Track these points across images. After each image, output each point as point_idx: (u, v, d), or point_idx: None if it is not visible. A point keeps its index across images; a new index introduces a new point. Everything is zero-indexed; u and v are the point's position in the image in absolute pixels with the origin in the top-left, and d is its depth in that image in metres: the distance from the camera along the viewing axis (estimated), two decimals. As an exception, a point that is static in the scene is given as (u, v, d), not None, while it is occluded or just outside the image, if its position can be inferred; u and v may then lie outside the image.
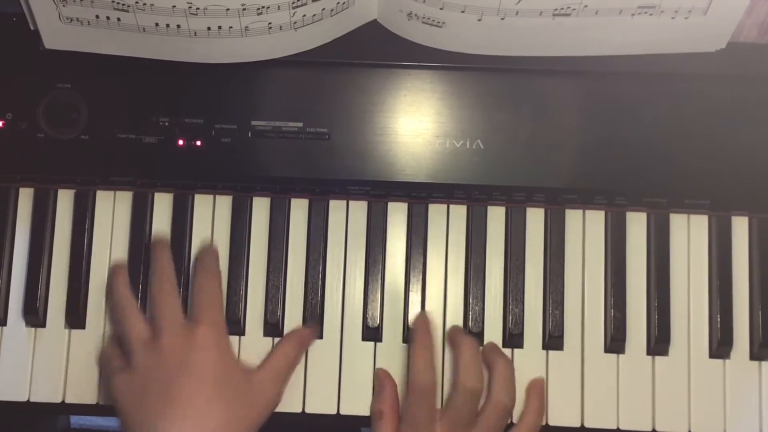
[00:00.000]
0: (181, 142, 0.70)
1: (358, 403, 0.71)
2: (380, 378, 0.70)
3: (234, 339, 0.71)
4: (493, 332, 0.72)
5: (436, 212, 0.74)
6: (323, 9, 0.67)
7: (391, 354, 0.72)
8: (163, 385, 0.63)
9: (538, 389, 0.70)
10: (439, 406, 0.70)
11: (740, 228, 0.74)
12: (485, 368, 0.70)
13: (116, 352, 0.68)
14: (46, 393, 0.71)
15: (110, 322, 0.71)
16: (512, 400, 0.69)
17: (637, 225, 0.74)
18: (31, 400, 0.71)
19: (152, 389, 0.63)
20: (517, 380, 0.70)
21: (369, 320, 0.72)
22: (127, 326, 0.67)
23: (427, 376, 0.68)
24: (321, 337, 0.72)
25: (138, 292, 0.71)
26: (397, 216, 0.74)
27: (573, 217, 0.74)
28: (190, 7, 0.64)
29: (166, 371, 0.64)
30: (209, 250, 0.72)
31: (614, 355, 0.72)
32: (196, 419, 0.62)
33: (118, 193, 0.74)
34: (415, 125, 0.71)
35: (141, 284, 0.72)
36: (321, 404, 0.71)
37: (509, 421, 0.69)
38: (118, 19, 0.66)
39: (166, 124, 0.71)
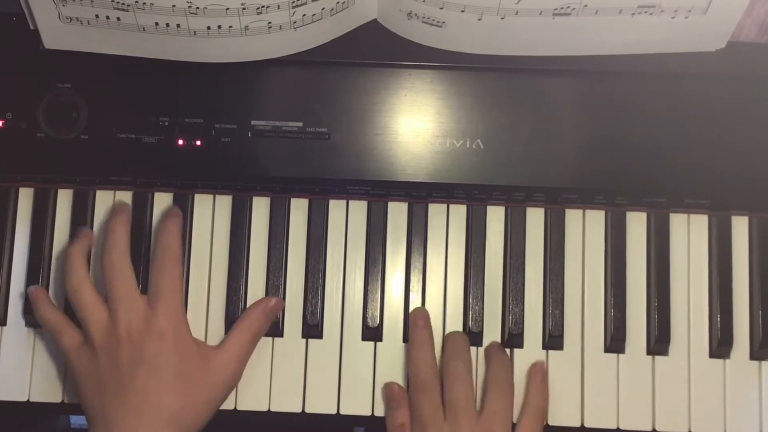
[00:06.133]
0: (181, 142, 0.70)
1: (358, 403, 0.71)
2: (395, 392, 0.69)
3: (234, 339, 0.72)
4: (493, 332, 0.72)
5: (436, 212, 0.74)
6: (323, 8, 0.67)
7: (391, 354, 0.72)
8: (119, 373, 0.65)
9: (538, 372, 0.70)
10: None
11: (740, 228, 0.74)
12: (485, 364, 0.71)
13: (66, 321, 0.69)
14: (46, 393, 0.71)
15: (66, 291, 0.69)
16: (510, 385, 0.69)
17: (637, 225, 0.74)
18: (31, 400, 0.71)
19: (110, 376, 0.65)
20: (517, 379, 0.70)
21: (369, 320, 0.72)
22: (83, 309, 0.67)
23: (422, 372, 0.68)
24: (321, 336, 0.72)
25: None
26: (397, 216, 0.74)
27: (573, 217, 0.74)
28: (190, 7, 0.64)
29: (123, 359, 0.65)
30: (172, 224, 0.70)
31: (614, 355, 0.72)
32: (151, 408, 0.64)
33: (118, 192, 0.74)
34: (415, 125, 0.71)
35: (140, 284, 0.72)
36: (321, 404, 0.71)
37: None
38: (118, 19, 0.66)
39: (166, 123, 0.71)
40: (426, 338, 0.70)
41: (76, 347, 0.67)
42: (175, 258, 0.69)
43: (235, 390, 0.71)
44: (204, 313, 0.72)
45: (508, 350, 0.72)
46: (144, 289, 0.70)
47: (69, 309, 0.70)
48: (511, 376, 0.70)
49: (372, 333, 0.72)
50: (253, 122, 0.71)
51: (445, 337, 0.71)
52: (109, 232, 0.70)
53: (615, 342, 0.71)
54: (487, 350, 0.71)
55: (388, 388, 0.70)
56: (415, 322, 0.71)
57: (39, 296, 0.70)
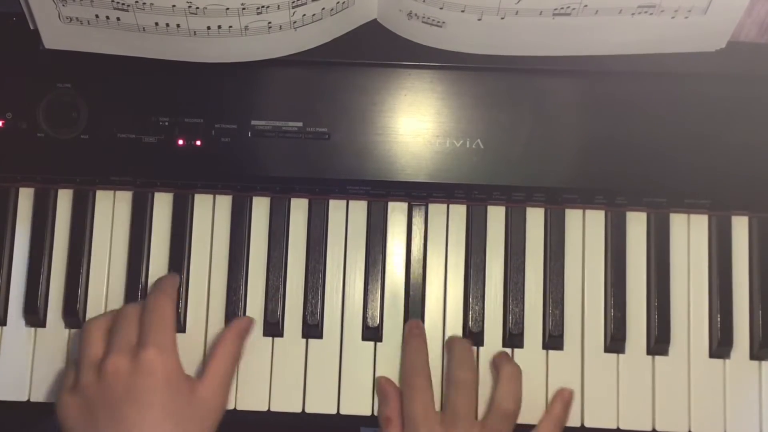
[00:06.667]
0: (181, 142, 0.70)
1: (358, 403, 0.71)
2: (383, 386, 0.70)
3: (234, 339, 0.72)
4: (493, 332, 0.72)
5: (436, 212, 0.74)
6: (323, 8, 0.67)
7: (391, 354, 0.72)
8: (109, 410, 0.63)
9: (565, 398, 0.70)
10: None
11: (740, 228, 0.74)
12: (494, 373, 0.70)
13: (73, 370, 0.67)
14: (46, 393, 0.71)
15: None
16: (516, 405, 0.68)
17: (637, 225, 0.74)
18: (31, 400, 0.71)
19: (98, 414, 0.63)
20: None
21: (369, 320, 0.72)
22: (83, 345, 0.66)
23: (420, 376, 0.68)
24: (321, 336, 0.72)
25: (138, 291, 0.72)
26: (397, 216, 0.74)
27: (573, 217, 0.74)
28: (190, 7, 0.64)
29: (112, 396, 0.63)
30: (170, 275, 0.71)
31: (614, 355, 0.72)
32: None
33: (118, 192, 0.74)
34: (415, 125, 0.71)
35: (140, 284, 0.72)
36: (321, 404, 0.71)
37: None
38: (118, 19, 0.66)
39: (166, 123, 0.71)
40: (421, 346, 0.70)
41: (69, 388, 0.66)
42: (169, 296, 0.68)
43: (235, 390, 0.71)
44: (204, 313, 0.72)
45: (508, 350, 0.72)
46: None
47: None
48: (520, 395, 0.69)
49: (372, 333, 0.72)
50: (253, 122, 0.71)
51: (450, 342, 0.71)
52: (155, 293, 0.69)
53: (615, 342, 0.71)
54: (497, 362, 0.70)
55: (378, 382, 0.70)
56: (410, 330, 0.71)
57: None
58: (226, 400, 0.68)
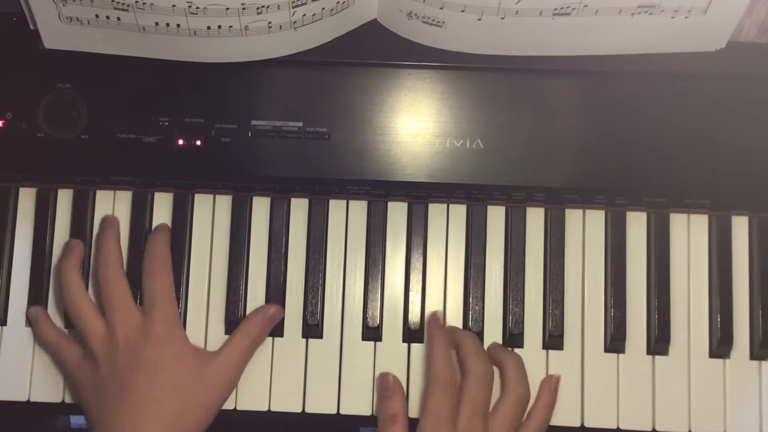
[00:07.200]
0: (181, 142, 0.70)
1: (358, 403, 0.71)
2: (389, 382, 0.69)
3: (234, 339, 0.72)
4: (493, 332, 0.72)
5: (436, 212, 0.74)
6: (323, 8, 0.67)
7: (391, 354, 0.72)
8: (119, 378, 0.66)
9: (552, 386, 0.70)
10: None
11: (740, 228, 0.74)
12: (495, 367, 0.70)
13: (66, 338, 0.70)
14: (46, 393, 0.71)
15: (64, 305, 0.71)
16: (527, 390, 0.69)
17: (637, 225, 0.74)
18: (31, 400, 0.71)
19: (110, 383, 0.66)
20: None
21: (369, 320, 0.72)
22: (81, 322, 0.69)
23: (449, 370, 0.67)
24: (321, 336, 0.72)
25: (138, 290, 0.71)
26: (397, 216, 0.74)
27: (573, 217, 0.74)
28: (190, 7, 0.64)
29: (122, 368, 0.66)
30: (160, 235, 0.72)
31: (614, 355, 0.72)
32: (151, 413, 0.65)
33: (118, 192, 0.74)
34: (415, 125, 0.71)
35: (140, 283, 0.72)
36: (321, 404, 0.71)
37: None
38: (118, 19, 0.66)
39: (166, 123, 0.71)
40: (444, 338, 0.69)
41: (77, 361, 0.69)
42: (165, 265, 0.70)
43: (235, 390, 0.71)
44: (204, 313, 0.72)
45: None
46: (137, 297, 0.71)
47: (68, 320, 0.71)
48: (526, 379, 0.69)
49: (372, 333, 0.72)
50: (253, 122, 0.71)
51: (458, 335, 0.70)
52: (100, 246, 0.71)
53: (615, 342, 0.71)
54: (497, 354, 0.70)
55: (383, 377, 0.70)
56: (436, 322, 0.70)
57: (39, 316, 0.71)
58: (237, 379, 0.70)
